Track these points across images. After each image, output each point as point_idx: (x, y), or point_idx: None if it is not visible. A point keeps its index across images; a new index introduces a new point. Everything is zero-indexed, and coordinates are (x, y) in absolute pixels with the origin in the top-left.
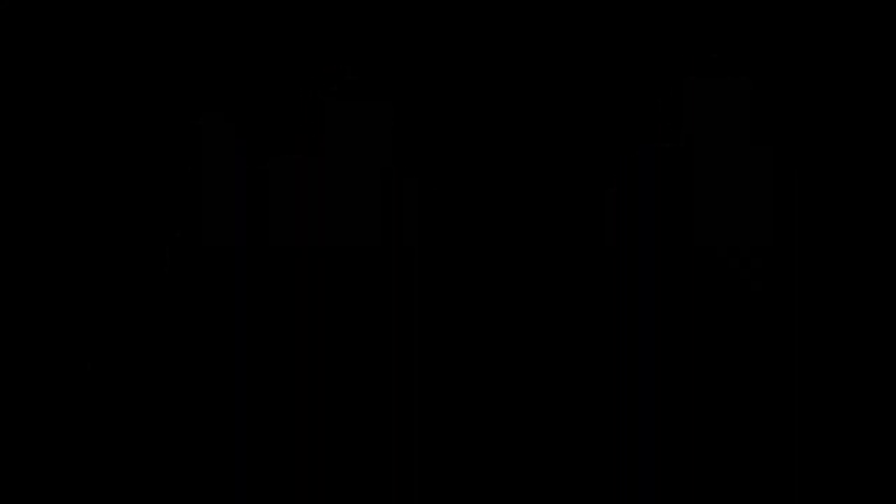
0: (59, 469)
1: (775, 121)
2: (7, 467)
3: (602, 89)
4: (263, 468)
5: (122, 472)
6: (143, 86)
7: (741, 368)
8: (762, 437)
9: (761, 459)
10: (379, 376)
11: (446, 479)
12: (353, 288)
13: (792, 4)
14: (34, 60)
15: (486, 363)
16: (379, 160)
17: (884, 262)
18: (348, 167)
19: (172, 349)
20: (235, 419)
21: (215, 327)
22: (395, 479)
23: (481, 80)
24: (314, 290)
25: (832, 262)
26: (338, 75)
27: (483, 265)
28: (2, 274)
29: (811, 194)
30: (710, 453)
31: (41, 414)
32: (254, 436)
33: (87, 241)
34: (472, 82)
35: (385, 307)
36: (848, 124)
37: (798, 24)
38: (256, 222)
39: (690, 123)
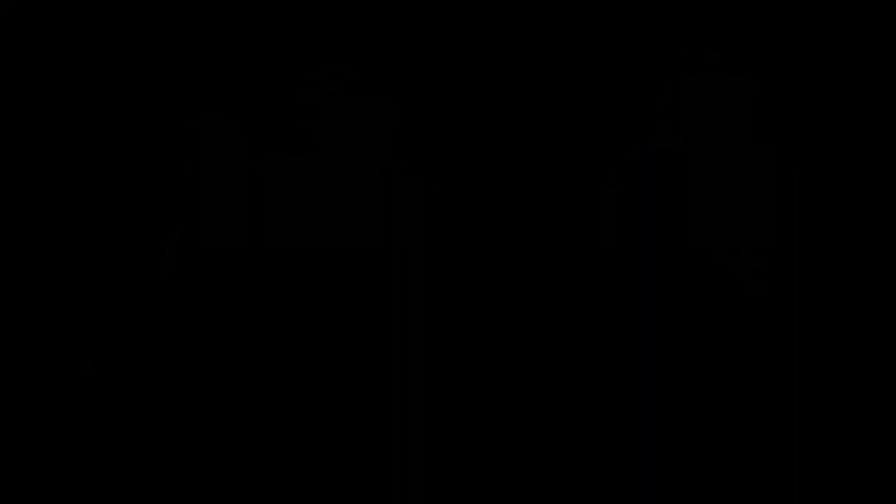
0: (59, 469)
1: (775, 121)
2: (7, 467)
3: (602, 89)
4: (263, 468)
5: (122, 471)
6: (144, 86)
7: (741, 368)
8: (762, 437)
9: (761, 459)
10: (379, 376)
11: (446, 479)
12: (353, 288)
13: (792, 4)
14: (34, 60)
15: (486, 363)
16: (379, 160)
17: (884, 262)
18: (348, 167)
19: (172, 349)
20: (235, 419)
21: (215, 327)
22: (395, 479)
23: (481, 80)
24: (314, 290)
25: (832, 263)
26: (338, 75)
27: (483, 265)
28: (2, 274)
29: (811, 194)
30: (710, 453)
31: (41, 414)
32: (254, 436)
33: (88, 241)
34: (472, 83)
35: (385, 307)
36: (848, 124)
37: (798, 24)
38: (256, 222)
39: (690, 123)
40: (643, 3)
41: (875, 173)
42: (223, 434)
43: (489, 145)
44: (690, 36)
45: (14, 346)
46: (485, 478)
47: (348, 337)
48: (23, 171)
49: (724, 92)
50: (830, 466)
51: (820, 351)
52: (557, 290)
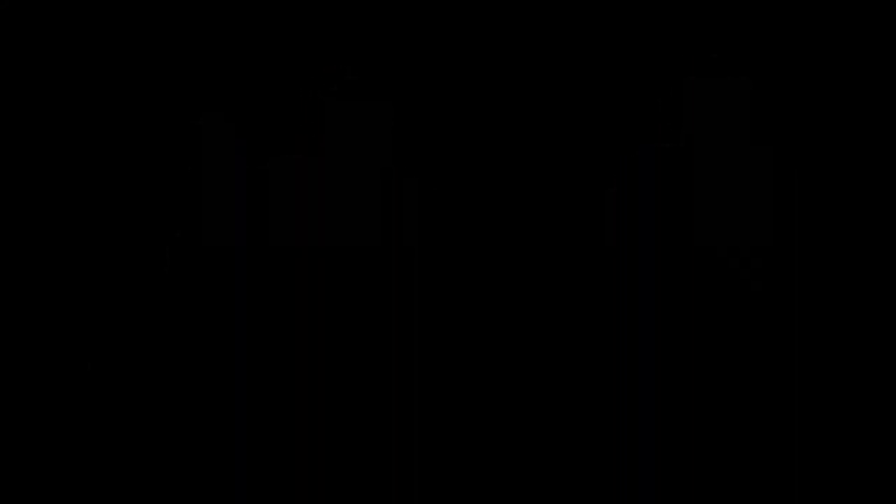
0: (60, 469)
1: (775, 121)
2: (7, 467)
3: (602, 89)
4: (263, 468)
5: (122, 471)
6: (144, 86)
7: (741, 368)
8: (762, 437)
9: (761, 459)
10: (379, 376)
11: (446, 479)
12: (353, 288)
13: (792, 4)
14: (34, 60)
15: (486, 363)
16: (379, 160)
17: (884, 262)
18: (348, 167)
19: (172, 349)
20: (235, 419)
21: (215, 327)
22: (395, 479)
23: (481, 80)
24: (314, 290)
25: (832, 263)
26: (338, 75)
27: (483, 265)
28: (2, 274)
29: (811, 194)
30: (710, 453)
31: (41, 414)
32: (254, 436)
33: (88, 241)
34: (472, 83)
35: (385, 307)
36: (848, 124)
37: (798, 24)
38: (256, 222)
39: (690, 123)
40: (643, 3)
41: (875, 173)
42: (223, 434)
43: (489, 145)
44: (690, 36)
45: (14, 346)
46: (485, 478)
47: (348, 337)
48: (23, 171)
49: (724, 92)
50: (830, 466)
51: (820, 351)
52: (558, 290)
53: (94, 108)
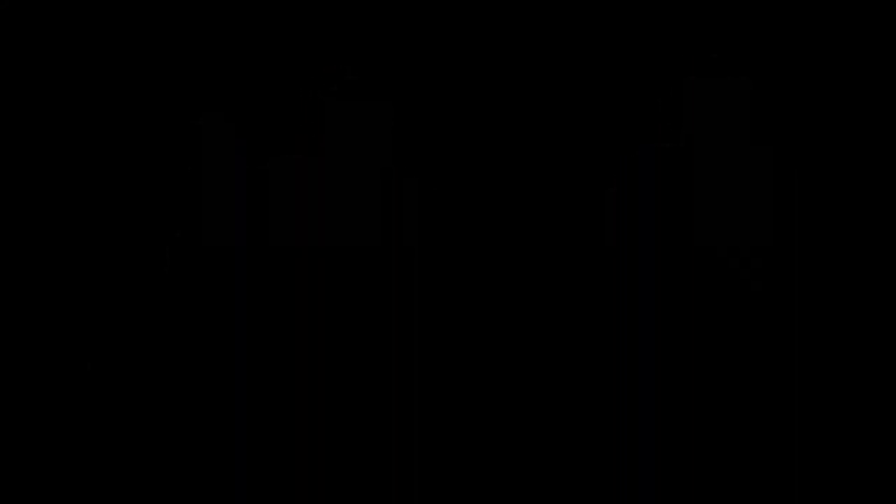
0: (60, 469)
1: (775, 121)
2: (7, 467)
3: (602, 89)
4: (263, 468)
5: (123, 471)
6: (144, 86)
7: (741, 368)
8: (762, 437)
9: (761, 459)
10: (379, 376)
11: (446, 479)
12: (353, 288)
13: (792, 4)
14: (34, 60)
15: (486, 363)
16: (379, 160)
17: (884, 262)
18: (348, 167)
19: (172, 349)
20: (235, 419)
21: (215, 327)
22: (395, 479)
23: (481, 80)
24: (314, 290)
25: (832, 263)
26: (338, 75)
27: (483, 265)
28: (2, 274)
29: (811, 194)
30: (710, 453)
31: (41, 414)
32: (254, 436)
33: (88, 241)
34: (472, 83)
35: (385, 307)
36: (848, 124)
37: (798, 24)
38: (256, 222)
39: (690, 123)
40: (643, 3)
41: (875, 173)
42: (223, 434)
43: (489, 145)
44: (690, 36)
45: (14, 346)
46: (485, 478)
47: (348, 337)
48: (23, 171)
49: (724, 92)
50: (830, 466)
51: (820, 351)
52: (558, 290)
53: (95, 109)
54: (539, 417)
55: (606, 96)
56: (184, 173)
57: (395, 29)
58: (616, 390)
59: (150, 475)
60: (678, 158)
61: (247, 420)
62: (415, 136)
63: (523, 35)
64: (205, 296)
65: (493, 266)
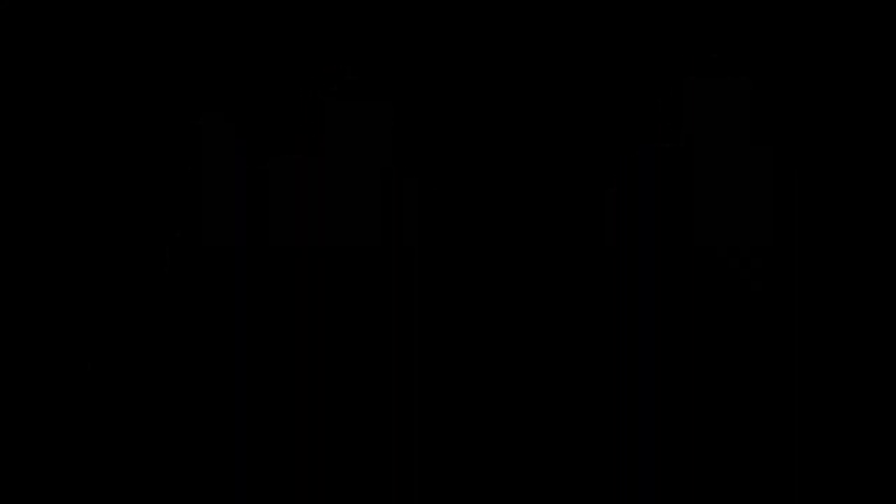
0: (60, 469)
1: (775, 121)
2: (7, 467)
3: (602, 89)
4: (263, 468)
5: (123, 471)
6: (144, 86)
7: (741, 368)
8: (762, 437)
9: (761, 459)
10: (379, 376)
11: (446, 479)
12: (353, 288)
13: (792, 4)
14: (34, 60)
15: (486, 363)
16: (379, 160)
17: (884, 262)
18: (348, 167)
19: (172, 349)
20: (235, 419)
21: (215, 327)
22: (395, 479)
23: (481, 80)
24: (314, 290)
25: (832, 263)
26: (338, 75)
27: (483, 265)
28: (2, 274)
29: (811, 194)
30: (710, 453)
31: (41, 414)
32: (254, 436)
33: (88, 241)
34: (472, 83)
35: (385, 307)
36: (848, 124)
37: (798, 24)
38: (256, 222)
39: (690, 123)
40: (643, 3)
41: (875, 173)
42: (223, 434)
43: (489, 145)
44: (690, 36)
45: (14, 346)
46: (485, 478)
47: (348, 337)
48: (23, 171)
49: (724, 92)
50: (830, 466)
51: (820, 351)
52: (557, 290)
53: (95, 109)
54: (539, 417)
55: (606, 96)
56: (184, 173)
57: (394, 29)
58: (616, 390)
59: (151, 475)
60: (678, 158)
61: (247, 420)
62: (415, 137)
63: (523, 35)
64: (205, 296)
65: (494, 266)
